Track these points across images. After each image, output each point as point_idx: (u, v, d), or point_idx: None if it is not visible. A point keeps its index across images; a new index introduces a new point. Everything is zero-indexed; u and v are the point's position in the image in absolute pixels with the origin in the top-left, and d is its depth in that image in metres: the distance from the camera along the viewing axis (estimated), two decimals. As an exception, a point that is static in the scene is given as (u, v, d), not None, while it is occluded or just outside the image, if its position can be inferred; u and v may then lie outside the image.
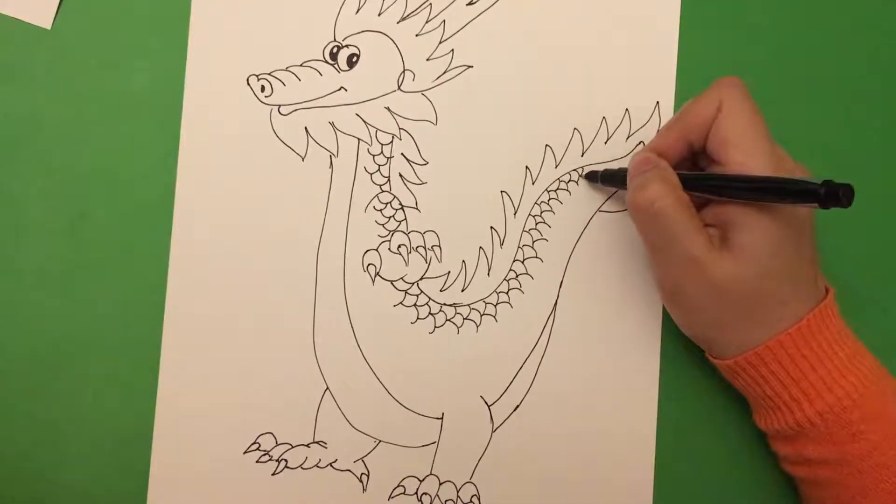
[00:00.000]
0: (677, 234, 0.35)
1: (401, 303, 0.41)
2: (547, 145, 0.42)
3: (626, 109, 0.43)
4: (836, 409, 0.35)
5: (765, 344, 0.35)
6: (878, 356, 0.37)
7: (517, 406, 0.41)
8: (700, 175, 0.37)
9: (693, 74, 0.43)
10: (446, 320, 0.41)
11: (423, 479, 0.41)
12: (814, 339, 0.35)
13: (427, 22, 0.42)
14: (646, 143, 0.43)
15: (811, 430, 0.36)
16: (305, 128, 0.41)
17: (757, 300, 0.35)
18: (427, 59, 0.42)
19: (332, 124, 0.41)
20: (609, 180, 0.41)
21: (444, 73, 0.42)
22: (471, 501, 0.41)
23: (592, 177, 0.42)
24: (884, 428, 0.35)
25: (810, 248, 0.36)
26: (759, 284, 0.35)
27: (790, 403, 0.36)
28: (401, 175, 0.42)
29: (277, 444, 0.41)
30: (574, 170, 0.42)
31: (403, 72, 0.42)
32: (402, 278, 0.41)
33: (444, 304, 0.41)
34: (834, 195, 0.31)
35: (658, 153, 0.38)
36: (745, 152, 0.35)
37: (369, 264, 0.41)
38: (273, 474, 0.41)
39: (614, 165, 0.42)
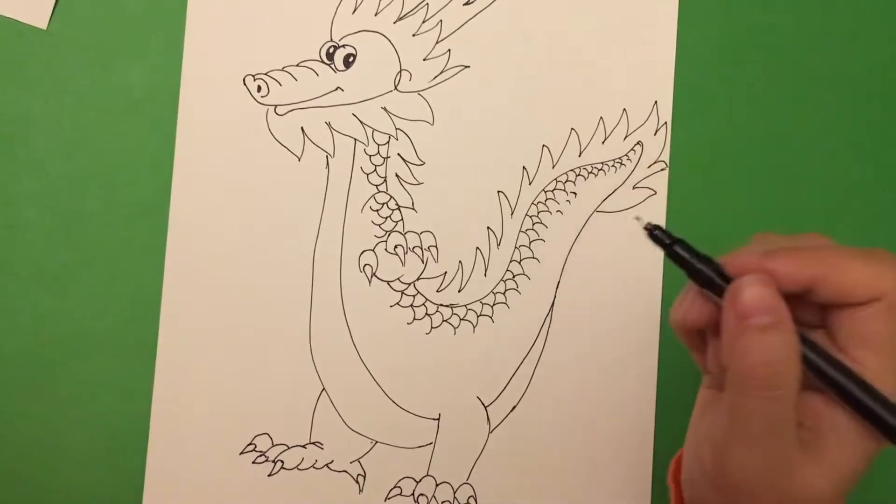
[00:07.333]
0: (783, 429, 0.28)
1: (397, 303, 0.41)
2: (544, 145, 0.42)
3: (624, 109, 0.42)
4: None
5: None
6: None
7: (514, 407, 0.41)
8: (838, 365, 0.28)
9: (691, 74, 0.43)
10: (443, 321, 0.41)
11: (420, 480, 0.41)
12: None
13: (424, 22, 0.42)
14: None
15: None
16: (302, 128, 0.41)
17: None
18: (424, 59, 0.42)
19: (329, 124, 0.41)
20: (681, 261, 0.29)
21: (441, 73, 0.42)
22: (468, 502, 0.41)
23: (658, 240, 0.30)
24: None
25: None
26: (833, 500, 0.29)
27: None
28: (397, 175, 0.41)
29: (274, 445, 0.41)
30: (572, 169, 0.42)
31: (400, 72, 0.42)
32: (398, 279, 0.41)
33: (441, 305, 0.41)
34: None
35: (777, 280, 0.29)
36: (883, 363, 0.29)
37: (365, 265, 0.41)
38: (269, 475, 0.40)
39: (612, 169, 0.42)
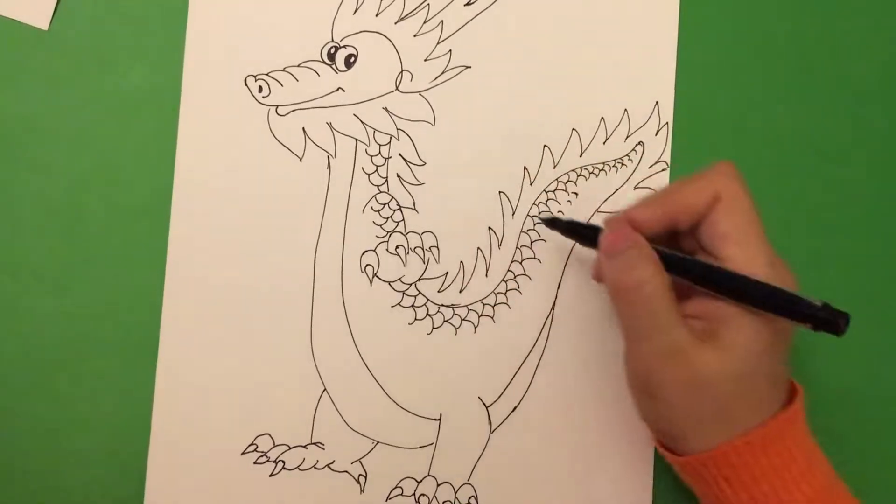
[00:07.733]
0: (663, 322, 0.33)
1: (398, 304, 0.41)
2: (545, 146, 0.42)
3: (625, 109, 0.42)
4: None
5: (720, 447, 0.33)
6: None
7: (515, 407, 0.41)
8: (698, 263, 0.35)
9: (692, 74, 0.43)
10: (444, 321, 0.41)
11: (421, 481, 0.41)
12: (773, 446, 0.34)
13: (425, 22, 0.42)
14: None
15: None
16: (303, 128, 0.41)
17: (733, 399, 0.34)
18: (425, 60, 0.42)
19: (330, 125, 0.41)
20: (575, 234, 0.38)
21: (442, 73, 0.42)
22: (468, 503, 0.41)
23: (553, 224, 0.39)
24: None
25: (788, 347, 0.35)
26: (741, 384, 0.33)
27: None
28: (398, 176, 0.42)
29: (275, 446, 0.41)
30: (573, 170, 0.42)
31: (401, 72, 0.42)
32: (399, 279, 0.41)
33: (442, 305, 0.41)
34: (831, 323, 0.32)
35: (635, 225, 0.35)
36: (746, 251, 0.34)
37: (367, 265, 0.41)
38: (271, 475, 0.40)
39: (613, 169, 0.42)
